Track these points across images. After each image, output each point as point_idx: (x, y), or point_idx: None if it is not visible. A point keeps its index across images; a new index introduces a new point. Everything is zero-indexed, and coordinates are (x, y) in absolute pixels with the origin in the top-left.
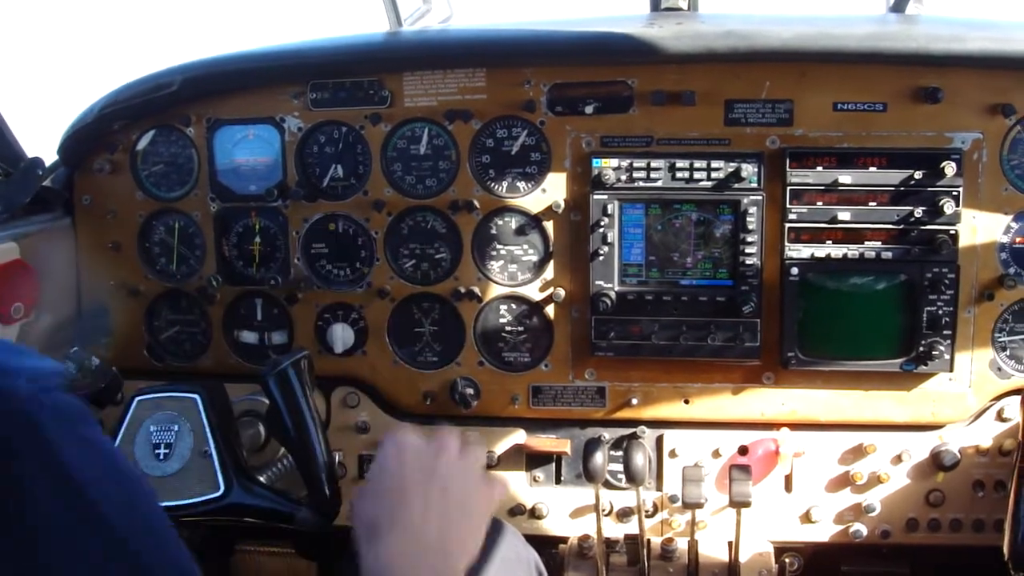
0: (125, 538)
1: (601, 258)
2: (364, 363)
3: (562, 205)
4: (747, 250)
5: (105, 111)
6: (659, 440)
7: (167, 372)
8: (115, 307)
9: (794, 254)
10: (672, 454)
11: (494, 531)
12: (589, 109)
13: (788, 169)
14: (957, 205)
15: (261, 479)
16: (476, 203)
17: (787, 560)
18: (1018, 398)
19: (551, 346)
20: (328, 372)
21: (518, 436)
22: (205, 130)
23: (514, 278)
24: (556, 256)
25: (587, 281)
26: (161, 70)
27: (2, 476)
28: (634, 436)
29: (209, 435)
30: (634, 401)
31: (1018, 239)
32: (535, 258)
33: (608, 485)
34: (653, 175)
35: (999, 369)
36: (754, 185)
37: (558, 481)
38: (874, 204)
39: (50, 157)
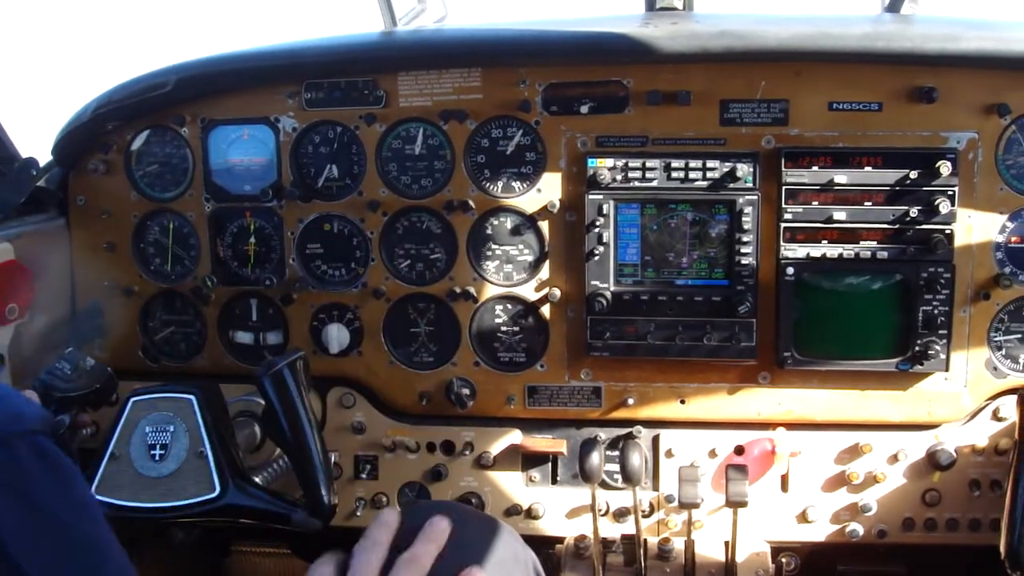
0: None
1: (596, 258)
2: (360, 363)
3: (557, 205)
4: (743, 250)
5: (99, 111)
6: (655, 440)
7: (162, 373)
8: (110, 308)
9: (790, 254)
10: (668, 454)
11: (492, 531)
12: (584, 109)
13: (783, 169)
14: (952, 205)
15: (257, 480)
16: (471, 203)
17: (783, 560)
18: (1014, 397)
19: (547, 346)
20: (324, 372)
21: (514, 436)
22: (199, 130)
23: (509, 278)
24: (551, 256)
25: (583, 281)
26: (155, 70)
27: None
28: (630, 436)
29: (205, 436)
30: (630, 401)
31: (1014, 238)
32: (530, 258)
33: (604, 485)
34: (648, 175)
35: (995, 368)
36: (749, 185)
37: (554, 481)
38: (870, 204)
39: (44, 157)
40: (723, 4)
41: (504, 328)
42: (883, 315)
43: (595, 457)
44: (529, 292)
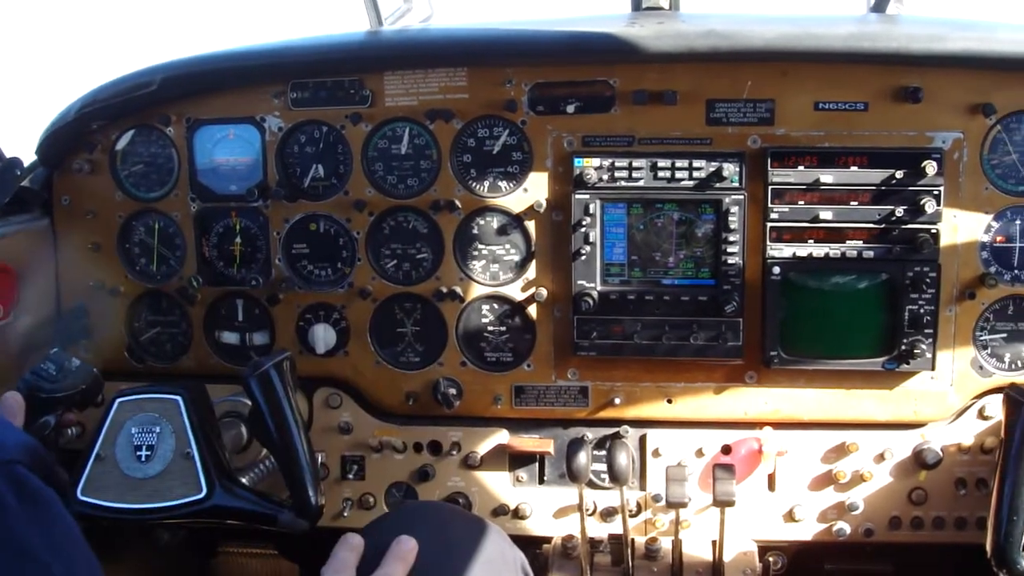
0: None
1: (583, 258)
2: (346, 364)
3: (544, 205)
4: (729, 249)
5: (84, 111)
6: (642, 440)
7: (148, 373)
8: (95, 308)
9: (776, 253)
10: (655, 453)
11: (479, 531)
12: (571, 108)
13: (770, 168)
14: (938, 204)
15: (243, 481)
16: (458, 203)
17: (771, 559)
18: (1000, 396)
19: (533, 346)
20: (310, 373)
21: (501, 436)
22: (185, 130)
23: (496, 278)
24: (538, 256)
25: (569, 281)
26: (140, 69)
27: None
28: (617, 436)
29: (191, 436)
30: (617, 401)
31: (999, 238)
32: (517, 258)
33: (592, 485)
34: (635, 174)
35: (980, 368)
36: (736, 184)
37: (541, 481)
38: (855, 203)
39: (28, 157)
40: (709, 4)
41: (491, 328)
42: (869, 314)
43: (582, 457)
44: (516, 292)
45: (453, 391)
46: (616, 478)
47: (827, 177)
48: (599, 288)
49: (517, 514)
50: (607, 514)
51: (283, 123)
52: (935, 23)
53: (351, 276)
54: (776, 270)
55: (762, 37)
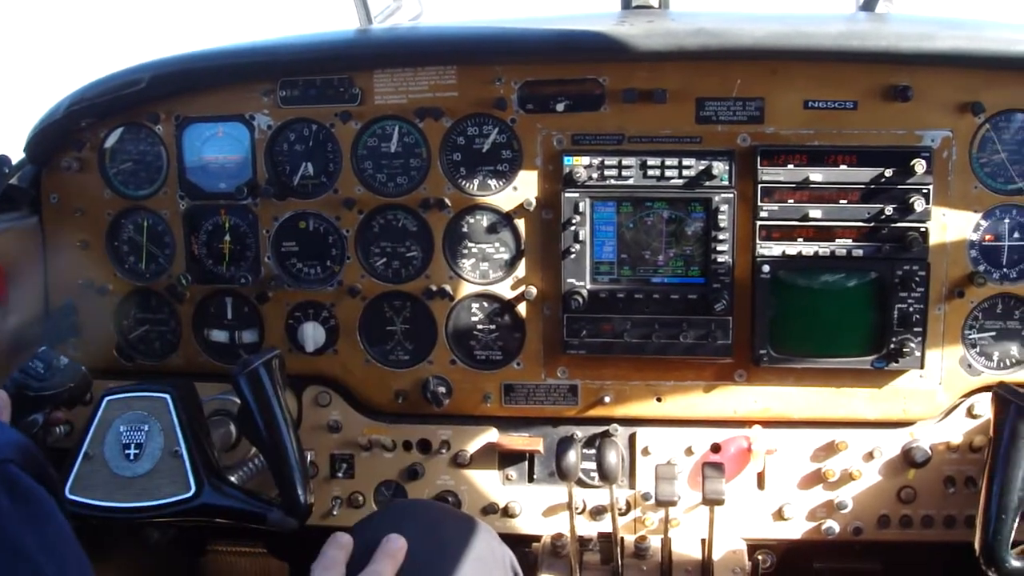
0: None
1: (573, 256)
2: (335, 362)
3: (533, 203)
4: (719, 248)
5: (73, 108)
6: (632, 438)
7: (137, 371)
8: (83, 306)
9: (765, 252)
10: (645, 452)
11: (469, 529)
12: (560, 107)
13: (759, 167)
14: (927, 203)
15: (232, 479)
16: (447, 201)
17: (760, 557)
18: (988, 395)
19: (523, 344)
20: (299, 371)
21: (490, 435)
22: (174, 128)
23: (486, 276)
24: (528, 254)
25: (559, 279)
26: (129, 67)
27: None
28: (607, 434)
29: (180, 435)
30: (606, 399)
31: (988, 236)
32: (506, 256)
33: (581, 483)
34: (624, 173)
35: (969, 366)
36: (725, 183)
37: (531, 480)
38: (845, 202)
39: (17, 155)
40: (699, 2)
41: (480, 326)
42: (858, 313)
43: (572, 455)
44: (505, 290)
45: (443, 389)
46: (605, 476)
47: (816, 175)
48: (589, 286)
49: (507, 512)
50: (596, 512)
51: (272, 121)
52: (924, 22)
53: (340, 274)
54: (766, 268)
55: (752, 35)
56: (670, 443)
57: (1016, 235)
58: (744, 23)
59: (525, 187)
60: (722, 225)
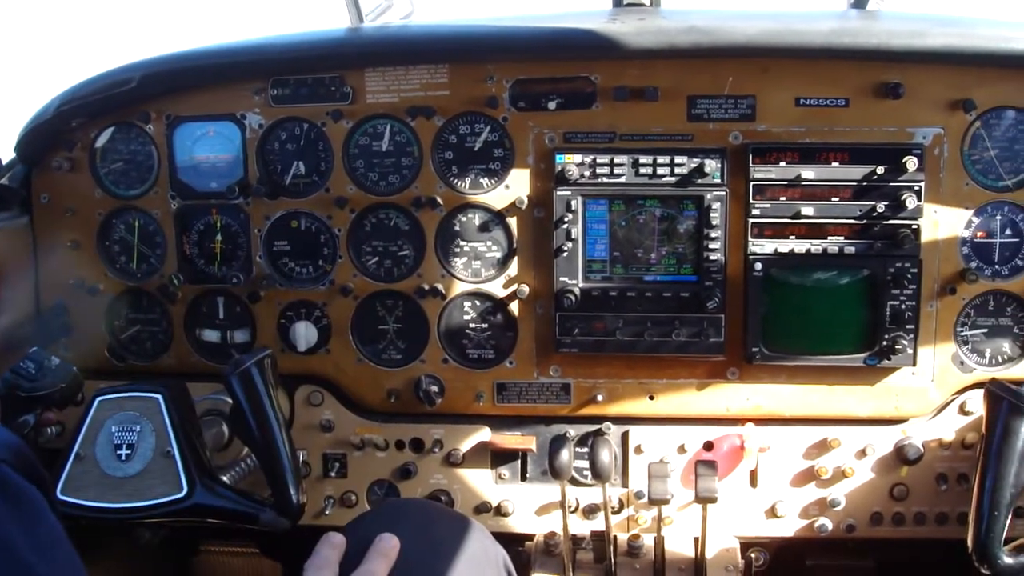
0: None
1: (565, 254)
2: (328, 361)
3: (525, 201)
4: (711, 246)
5: (63, 108)
6: (624, 436)
7: (128, 372)
8: (75, 306)
9: (757, 249)
10: (638, 450)
11: (462, 528)
12: (552, 105)
13: (751, 164)
14: (919, 200)
15: (225, 479)
16: (439, 200)
17: (753, 555)
18: (981, 392)
19: (515, 343)
20: (291, 370)
21: (483, 433)
22: (165, 127)
23: (478, 275)
24: (520, 252)
25: (551, 277)
26: (120, 66)
27: None
28: (599, 432)
29: (172, 435)
30: (599, 397)
31: (979, 233)
32: (499, 255)
33: (574, 482)
34: (616, 171)
35: (961, 363)
36: (717, 181)
37: (523, 478)
38: (836, 199)
39: (7, 155)
40: (690, 0)
41: (473, 325)
42: (850, 310)
43: (564, 454)
44: (497, 289)
45: (435, 388)
46: (598, 475)
47: (808, 173)
48: (581, 285)
49: (499, 511)
50: (589, 511)
51: (264, 120)
52: (916, 19)
53: (332, 273)
54: (758, 266)
55: (743, 33)
56: (663, 441)
57: (1008, 232)
58: (736, 21)
59: (517, 185)
60: (714, 223)
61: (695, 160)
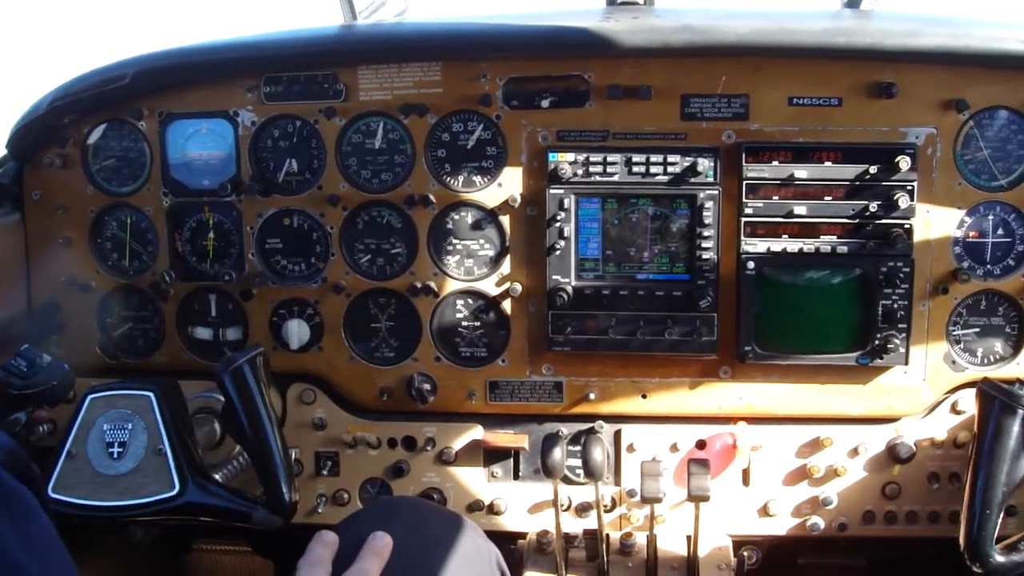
0: None
1: (557, 252)
2: (320, 359)
3: (518, 199)
4: (703, 244)
5: (55, 104)
6: (617, 435)
7: (120, 369)
8: (66, 304)
9: (750, 248)
10: (630, 449)
11: (454, 526)
12: (545, 103)
13: (744, 163)
14: (911, 199)
15: (217, 477)
16: (432, 197)
17: (745, 553)
18: (972, 391)
19: (508, 341)
20: (283, 368)
21: (475, 432)
22: (157, 124)
23: (470, 273)
24: (512, 251)
25: (543, 276)
26: (113, 63)
27: None
28: (592, 431)
29: (163, 433)
30: (592, 396)
31: (971, 233)
32: (491, 253)
33: (566, 480)
34: (609, 169)
35: (953, 362)
36: (710, 179)
37: (516, 477)
38: (829, 198)
39: None
40: None
41: (465, 323)
42: (843, 309)
43: (557, 452)
44: (490, 287)
45: (427, 386)
46: (591, 473)
47: (801, 172)
48: (573, 283)
49: (492, 509)
50: (582, 509)
51: (256, 117)
52: (909, 19)
53: (325, 271)
54: (750, 265)
55: (736, 32)
56: (655, 440)
57: (1000, 232)
58: (729, 20)
59: (510, 183)
60: (707, 222)
61: (688, 159)
